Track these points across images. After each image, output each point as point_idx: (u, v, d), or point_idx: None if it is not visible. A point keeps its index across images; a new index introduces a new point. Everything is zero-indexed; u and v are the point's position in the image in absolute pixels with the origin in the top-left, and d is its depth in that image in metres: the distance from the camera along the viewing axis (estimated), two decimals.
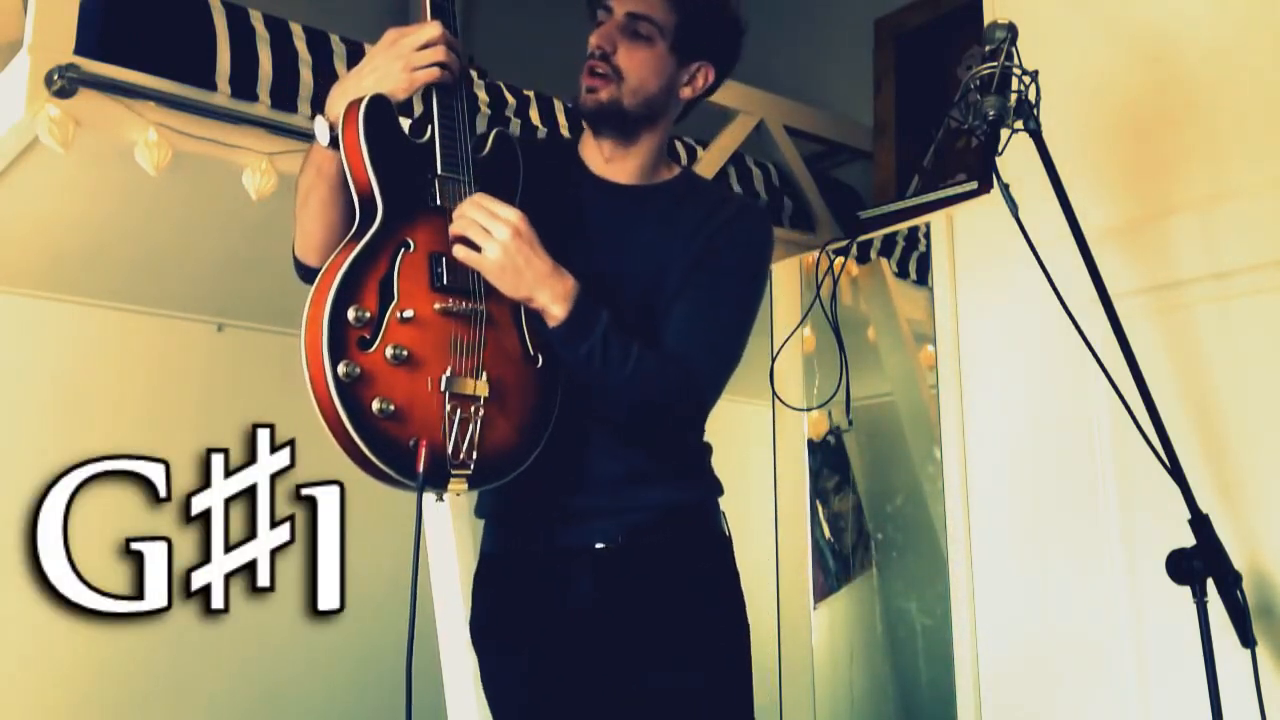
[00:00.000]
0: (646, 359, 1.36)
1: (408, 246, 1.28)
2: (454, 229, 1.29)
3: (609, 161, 1.52)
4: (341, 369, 1.19)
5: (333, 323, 1.21)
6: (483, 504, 1.54)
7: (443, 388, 1.25)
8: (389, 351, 1.23)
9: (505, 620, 1.47)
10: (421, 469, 1.22)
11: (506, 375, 1.32)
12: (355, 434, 1.19)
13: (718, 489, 1.54)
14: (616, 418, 1.41)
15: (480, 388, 1.28)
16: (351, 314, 1.22)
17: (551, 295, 1.30)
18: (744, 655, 1.47)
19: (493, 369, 1.30)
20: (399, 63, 1.30)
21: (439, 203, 1.32)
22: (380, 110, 1.31)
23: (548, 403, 1.35)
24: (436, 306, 1.28)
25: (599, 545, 1.43)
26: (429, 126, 1.35)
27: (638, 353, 1.35)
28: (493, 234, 1.28)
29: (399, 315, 1.25)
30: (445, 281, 1.29)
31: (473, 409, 1.27)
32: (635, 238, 1.50)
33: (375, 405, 1.21)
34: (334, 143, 1.31)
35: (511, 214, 1.29)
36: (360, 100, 1.30)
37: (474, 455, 1.26)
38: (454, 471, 1.25)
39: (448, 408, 1.25)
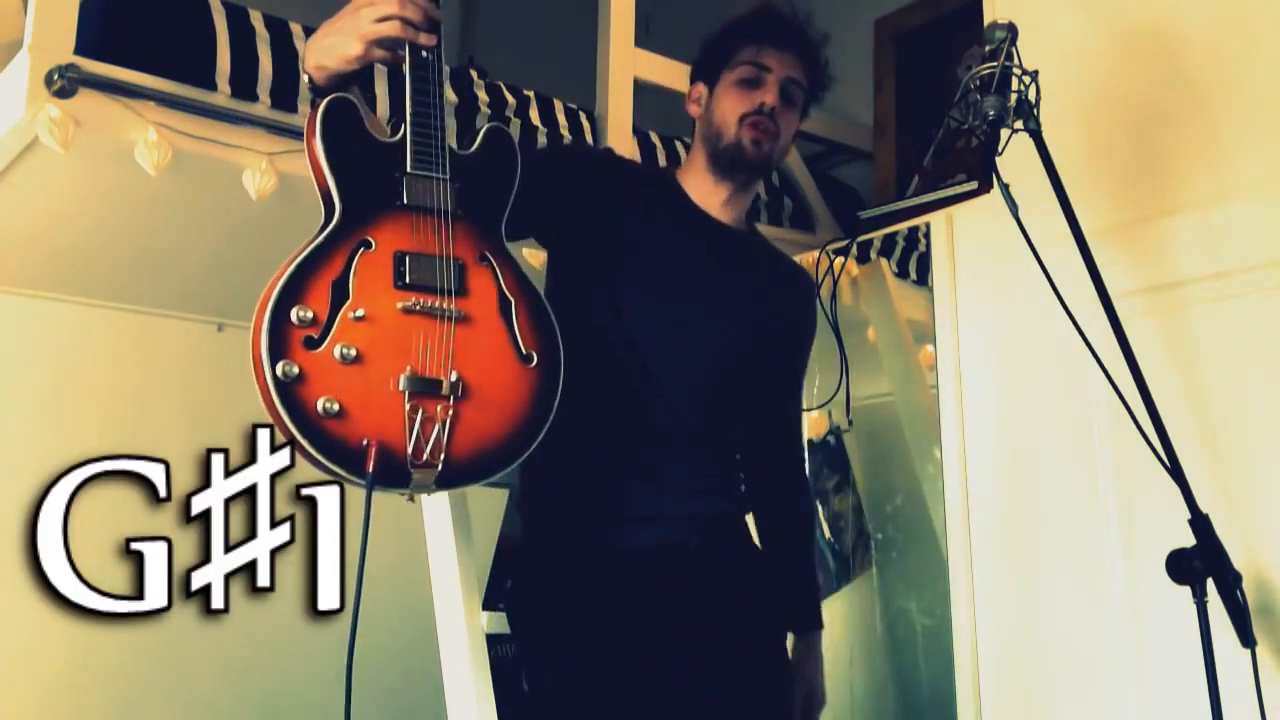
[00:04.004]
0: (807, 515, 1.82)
1: (368, 246, 1.28)
2: None
3: (725, 203, 1.63)
4: (280, 368, 1.19)
5: (273, 323, 1.21)
6: (524, 495, 1.58)
7: (400, 387, 1.24)
8: (338, 351, 1.22)
9: (553, 619, 1.51)
10: (371, 469, 1.21)
11: (486, 374, 1.30)
12: (298, 433, 1.19)
13: (748, 507, 1.71)
14: None
15: (446, 386, 1.26)
16: (295, 314, 1.22)
17: None
18: (784, 650, 1.65)
19: (469, 368, 1.28)
20: (355, 33, 1.31)
21: (406, 201, 1.31)
22: (341, 111, 1.31)
23: (542, 402, 1.34)
24: (399, 305, 1.27)
25: (664, 544, 1.51)
26: (402, 125, 1.34)
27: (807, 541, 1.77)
28: None
29: (351, 314, 1.24)
30: (409, 280, 1.28)
31: (438, 408, 1.25)
32: (732, 273, 1.62)
33: (320, 405, 1.20)
34: (315, 91, 1.33)
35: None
36: (319, 103, 1.30)
37: (440, 456, 1.25)
38: (416, 472, 1.24)
39: (407, 407, 1.24)
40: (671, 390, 1.53)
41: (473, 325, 1.31)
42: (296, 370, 1.20)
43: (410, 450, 1.23)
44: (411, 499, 1.26)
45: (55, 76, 1.65)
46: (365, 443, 1.22)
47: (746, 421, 1.68)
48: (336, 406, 1.21)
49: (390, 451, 1.22)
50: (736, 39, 1.61)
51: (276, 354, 1.20)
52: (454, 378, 1.27)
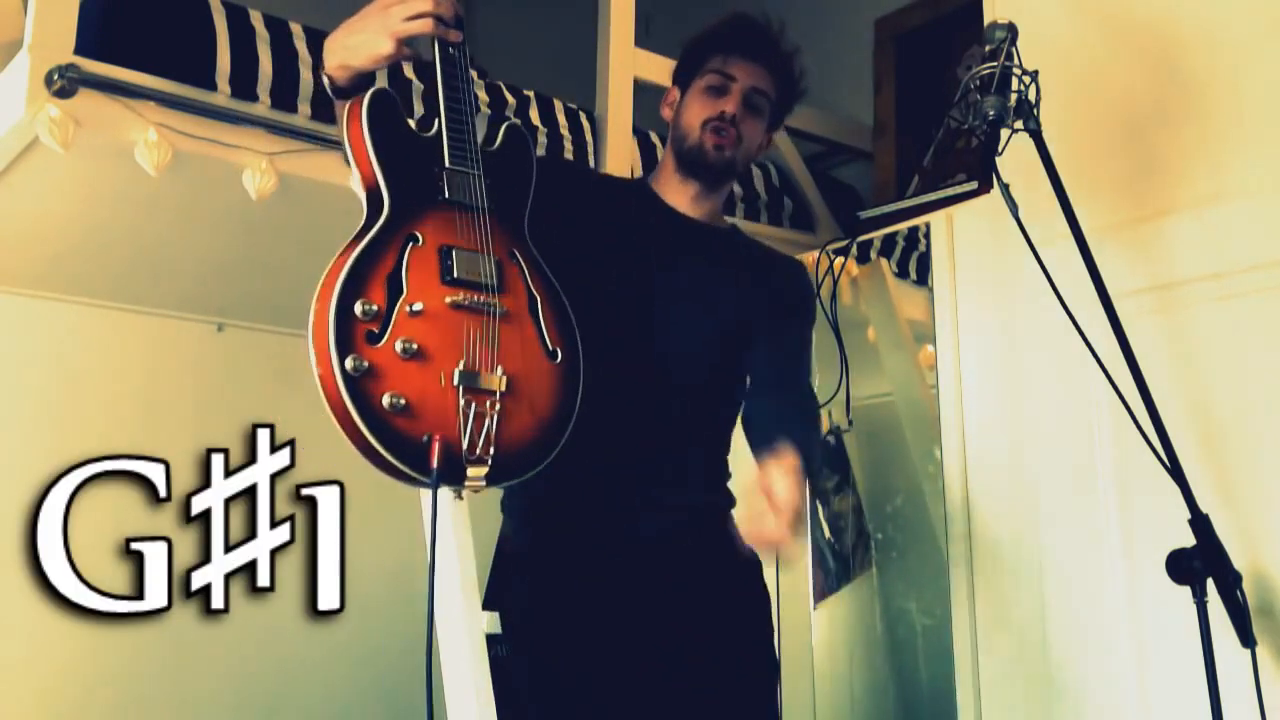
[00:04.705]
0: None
1: (416, 240, 1.28)
2: (783, 551, 1.31)
3: (694, 201, 1.67)
4: (349, 363, 1.18)
5: (339, 317, 1.19)
6: (515, 500, 1.58)
7: (455, 382, 1.23)
8: (399, 345, 1.21)
9: (549, 620, 1.51)
10: (435, 465, 1.20)
11: (524, 370, 1.30)
12: (366, 430, 1.17)
13: (734, 501, 1.64)
14: None
15: (496, 382, 1.26)
16: (359, 308, 1.20)
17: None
18: (772, 639, 1.63)
19: (510, 363, 1.29)
20: (384, 31, 1.31)
21: (448, 195, 1.31)
22: (384, 104, 1.31)
23: (568, 398, 1.34)
24: (447, 300, 1.27)
25: (642, 539, 1.51)
26: (436, 120, 1.35)
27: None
28: (793, 523, 1.29)
29: (408, 309, 1.23)
30: (455, 274, 1.28)
31: (488, 404, 1.25)
32: (689, 263, 1.63)
33: (386, 400, 1.19)
34: (336, 92, 1.34)
35: (789, 498, 1.27)
36: (363, 96, 1.30)
37: (491, 451, 1.24)
38: (470, 468, 1.23)
39: (461, 402, 1.23)
40: (653, 386, 1.55)
41: (511, 321, 1.31)
42: (366, 365, 1.18)
43: (465, 446, 1.23)
44: (460, 496, 1.25)
45: (55, 76, 1.65)
46: (427, 438, 1.20)
47: (753, 412, 1.68)
48: (403, 402, 1.19)
49: (449, 447, 1.22)
50: (707, 48, 1.66)
51: (344, 348, 1.18)
52: (500, 372, 1.27)
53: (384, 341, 1.21)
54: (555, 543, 1.55)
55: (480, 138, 1.41)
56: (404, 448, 1.20)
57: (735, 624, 1.56)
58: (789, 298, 1.74)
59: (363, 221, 1.29)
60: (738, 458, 1.67)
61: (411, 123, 1.36)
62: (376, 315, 1.22)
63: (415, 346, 1.22)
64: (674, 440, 1.57)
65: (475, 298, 1.28)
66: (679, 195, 1.66)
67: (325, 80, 1.35)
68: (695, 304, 1.60)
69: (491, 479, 1.26)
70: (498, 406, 1.26)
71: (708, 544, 1.57)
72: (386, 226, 1.27)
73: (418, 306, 1.24)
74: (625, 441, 1.52)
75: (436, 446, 1.20)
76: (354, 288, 1.22)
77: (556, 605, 1.51)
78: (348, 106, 1.32)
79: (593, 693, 1.46)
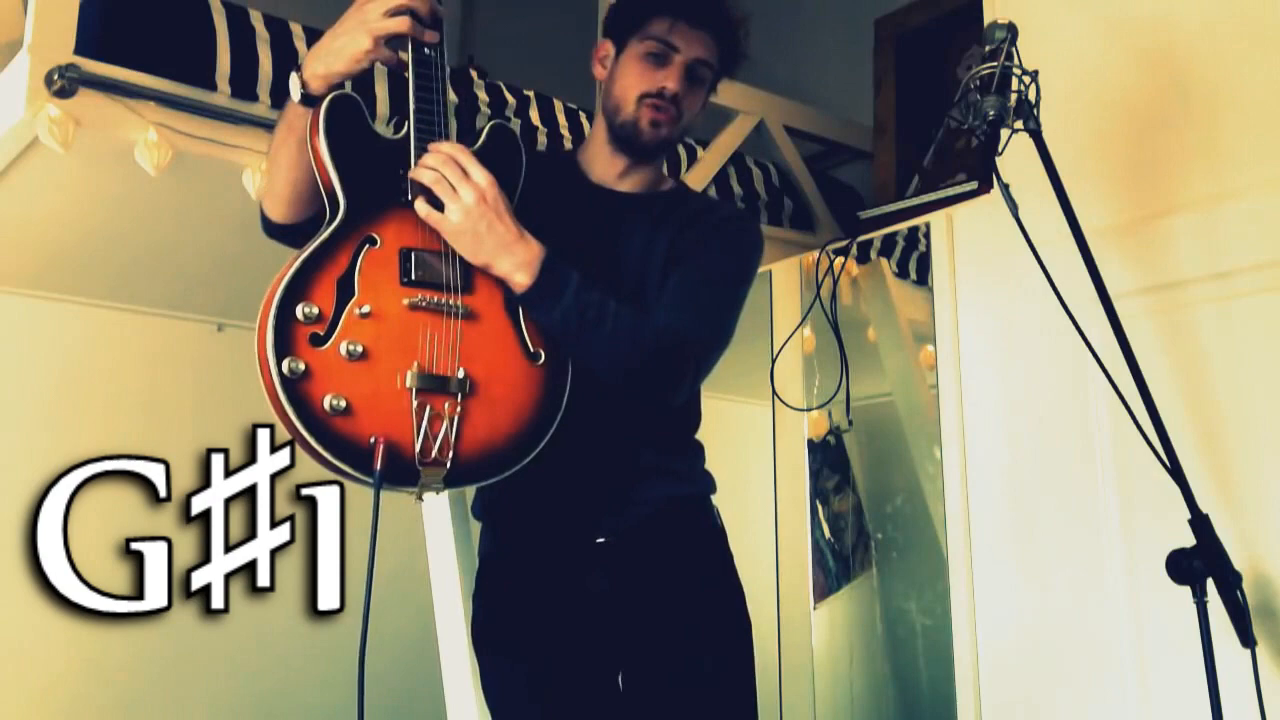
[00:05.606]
0: (624, 315, 1.37)
1: (373, 242, 1.28)
2: (422, 178, 1.29)
3: (620, 175, 1.57)
4: (286, 365, 1.18)
5: (279, 320, 1.20)
6: (477, 504, 1.54)
7: (408, 384, 1.23)
8: (344, 348, 1.22)
9: (508, 623, 1.48)
10: (378, 467, 1.20)
11: (495, 371, 1.29)
12: (304, 431, 1.18)
13: (712, 485, 1.59)
14: (609, 379, 1.40)
15: (454, 384, 1.26)
16: (300, 311, 1.21)
17: (514, 263, 1.31)
18: (746, 636, 1.51)
19: (476, 365, 1.28)
20: (363, 28, 1.31)
21: (411, 199, 1.31)
22: (345, 108, 1.31)
23: (550, 401, 1.33)
24: (405, 301, 1.27)
25: (600, 540, 1.46)
26: (405, 123, 1.35)
27: (615, 309, 1.36)
28: (459, 195, 1.28)
29: (357, 311, 1.23)
30: (415, 276, 1.28)
31: (445, 406, 1.25)
32: (632, 236, 1.53)
33: (326, 402, 1.19)
34: (304, 99, 1.33)
35: (481, 177, 1.30)
36: (324, 99, 1.31)
37: (449, 454, 1.24)
38: (424, 470, 1.23)
39: (414, 404, 1.23)
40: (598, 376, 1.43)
41: (479, 322, 1.30)
42: (302, 367, 1.19)
43: (418, 448, 1.23)
44: (419, 498, 1.25)
45: (55, 76, 1.65)
46: (373, 440, 1.21)
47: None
48: (343, 403, 1.20)
49: (398, 449, 1.22)
50: (650, 7, 1.53)
51: (282, 351, 1.19)
52: (461, 374, 1.26)
53: (328, 344, 1.22)
54: (509, 547, 1.51)
55: (453, 136, 1.40)
56: (346, 449, 1.20)
57: (706, 622, 1.49)
58: (707, 232, 1.55)
59: (323, 224, 1.29)
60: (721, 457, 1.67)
61: (388, 129, 1.36)
62: (319, 318, 1.22)
63: (360, 348, 1.22)
64: (629, 431, 1.48)
65: (434, 298, 1.28)
66: (608, 168, 1.56)
67: (299, 85, 1.34)
68: (611, 281, 1.46)
69: (450, 481, 1.25)
70: (457, 409, 1.25)
71: (676, 538, 1.50)
72: (340, 229, 1.27)
73: (366, 309, 1.24)
74: (578, 435, 1.42)
75: (380, 449, 1.20)
76: (297, 291, 1.22)
77: (507, 611, 1.48)
78: (311, 111, 1.32)
79: (545, 700, 1.43)
